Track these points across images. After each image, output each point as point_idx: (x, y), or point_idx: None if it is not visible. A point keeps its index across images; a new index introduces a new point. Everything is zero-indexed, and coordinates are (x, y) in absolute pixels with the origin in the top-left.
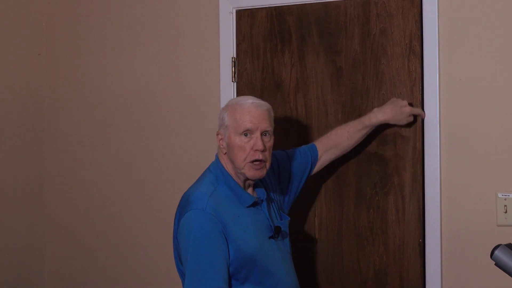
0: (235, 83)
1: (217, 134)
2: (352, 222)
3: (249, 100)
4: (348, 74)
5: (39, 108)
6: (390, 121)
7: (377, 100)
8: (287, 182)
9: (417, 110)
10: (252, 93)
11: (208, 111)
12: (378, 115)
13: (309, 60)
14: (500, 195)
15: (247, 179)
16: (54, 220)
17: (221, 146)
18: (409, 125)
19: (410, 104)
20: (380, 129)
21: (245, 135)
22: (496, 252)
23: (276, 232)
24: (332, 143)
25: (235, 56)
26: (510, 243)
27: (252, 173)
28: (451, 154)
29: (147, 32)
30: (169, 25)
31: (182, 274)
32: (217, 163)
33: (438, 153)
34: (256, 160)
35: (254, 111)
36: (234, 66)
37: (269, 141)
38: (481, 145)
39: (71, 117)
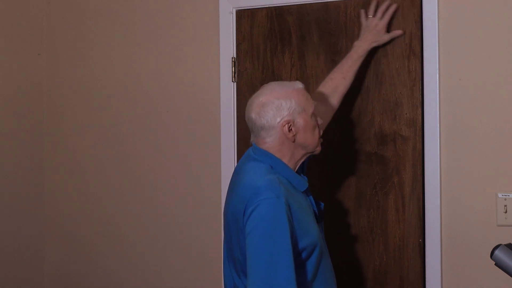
0: (235, 83)
1: (285, 124)
2: (352, 222)
3: (300, 85)
4: None
5: (39, 108)
6: (374, 44)
7: (377, 100)
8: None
9: (396, 32)
10: (252, 93)
11: (208, 111)
12: (362, 45)
13: (309, 60)
14: (500, 195)
15: (301, 161)
16: (54, 220)
17: (289, 135)
18: (409, 125)
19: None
20: (380, 129)
21: (312, 115)
22: (496, 252)
23: (320, 217)
24: (330, 89)
25: (235, 56)
26: (510, 243)
27: (320, 148)
28: (451, 154)
29: (147, 32)
30: (169, 25)
31: (240, 259)
32: (265, 154)
33: (438, 153)
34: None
35: (307, 93)
36: (234, 66)
37: None
38: (481, 145)
39: (71, 117)
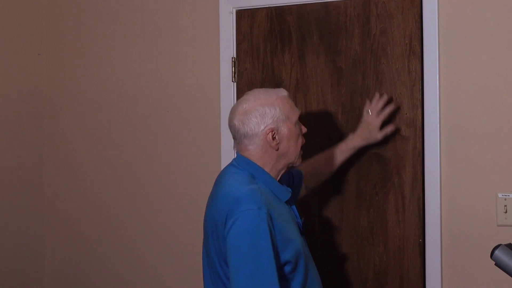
0: (235, 83)
1: (268, 132)
2: (352, 222)
3: (284, 93)
4: (348, 74)
5: (39, 108)
6: (364, 142)
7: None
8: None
9: (388, 130)
10: None
11: (208, 111)
12: (354, 140)
13: (309, 60)
14: (500, 195)
15: (283, 170)
16: (54, 220)
17: (273, 143)
18: (409, 125)
19: (385, 125)
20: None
21: (296, 123)
22: (496, 252)
23: (304, 229)
24: (311, 169)
25: (235, 56)
26: (510, 243)
27: (299, 160)
28: (451, 154)
29: (147, 32)
30: (169, 25)
31: (221, 273)
32: (247, 162)
33: (438, 153)
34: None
35: (291, 101)
36: (234, 66)
37: None
38: (481, 145)
39: (71, 117)
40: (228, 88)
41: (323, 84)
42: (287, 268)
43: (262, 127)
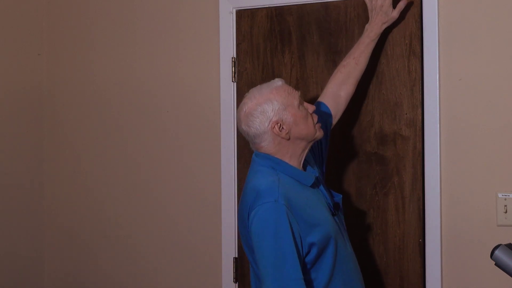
0: (235, 83)
1: (274, 126)
2: (352, 222)
3: (278, 82)
4: None
5: (39, 108)
6: (385, 25)
7: (377, 100)
8: (317, 150)
9: (401, 5)
10: None
11: (208, 111)
12: (373, 28)
13: (309, 60)
14: (500, 195)
15: (305, 151)
16: (54, 222)
17: (282, 134)
18: (409, 125)
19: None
20: (380, 129)
21: (299, 106)
22: (496, 252)
23: (335, 209)
24: (343, 77)
25: (235, 56)
26: (510, 243)
27: (321, 132)
28: (451, 154)
29: (147, 32)
30: (169, 25)
31: (252, 262)
32: (266, 157)
33: (438, 153)
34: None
35: (287, 87)
36: (234, 66)
37: None
38: (481, 145)
39: (71, 118)
40: (228, 88)
41: (323, 84)
42: (314, 251)
43: (267, 124)
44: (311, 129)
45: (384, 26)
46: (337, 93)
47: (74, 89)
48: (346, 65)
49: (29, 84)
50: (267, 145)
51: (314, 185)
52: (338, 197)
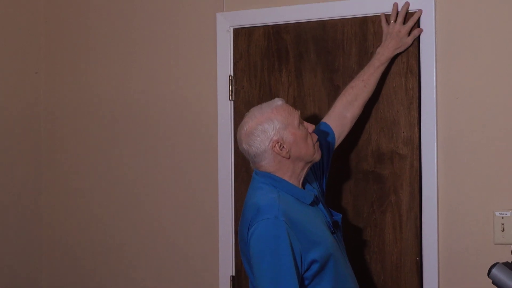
0: (232, 101)
1: (274, 145)
2: (349, 240)
3: (278, 102)
4: None
5: (36, 126)
6: (397, 51)
7: (374, 118)
8: (319, 169)
9: (415, 33)
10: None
11: (205, 129)
12: (385, 52)
13: (307, 78)
14: (497, 213)
15: (304, 170)
16: (52, 238)
17: (282, 153)
18: (406, 143)
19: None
20: (377, 147)
21: (299, 125)
22: (493, 270)
23: (335, 227)
24: (351, 98)
25: (232, 74)
26: (507, 262)
27: (319, 153)
28: (448, 173)
29: (145, 50)
30: (167, 43)
31: (251, 277)
32: (265, 175)
33: (435, 172)
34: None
35: (288, 106)
36: (231, 84)
37: None
38: (478, 163)
39: (69, 135)
40: (225, 106)
41: (320, 103)
42: (314, 267)
43: (267, 143)
44: (310, 149)
45: (397, 51)
46: (343, 113)
47: (71, 107)
48: (355, 86)
49: (27, 101)
50: (267, 163)
51: (313, 203)
52: (338, 216)
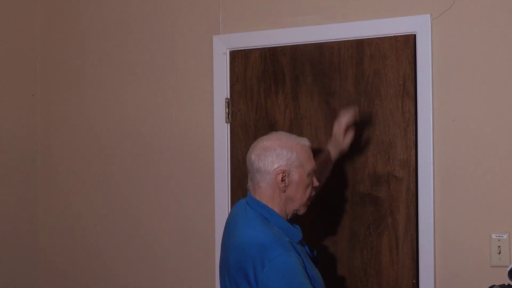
0: (229, 124)
1: (279, 173)
2: (345, 262)
3: (306, 143)
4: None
5: (33, 150)
6: (339, 155)
7: (370, 141)
8: None
9: (348, 137)
10: (245, 134)
11: (202, 152)
12: (331, 152)
13: (303, 101)
14: (493, 236)
15: (293, 215)
16: (49, 267)
17: (281, 184)
18: (402, 166)
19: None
20: (374, 170)
21: (309, 174)
22: None
23: (315, 263)
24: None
25: (229, 97)
26: (503, 284)
27: (305, 209)
28: (444, 195)
29: (142, 73)
30: (164, 65)
31: None
32: (258, 204)
33: (432, 194)
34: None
35: (311, 152)
36: (228, 107)
37: None
38: (475, 186)
39: (66, 159)
40: (222, 129)
41: (317, 125)
42: None
43: (275, 166)
44: (304, 199)
45: (338, 155)
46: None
47: (68, 130)
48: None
49: (23, 125)
50: (265, 187)
51: (301, 241)
52: (314, 252)
